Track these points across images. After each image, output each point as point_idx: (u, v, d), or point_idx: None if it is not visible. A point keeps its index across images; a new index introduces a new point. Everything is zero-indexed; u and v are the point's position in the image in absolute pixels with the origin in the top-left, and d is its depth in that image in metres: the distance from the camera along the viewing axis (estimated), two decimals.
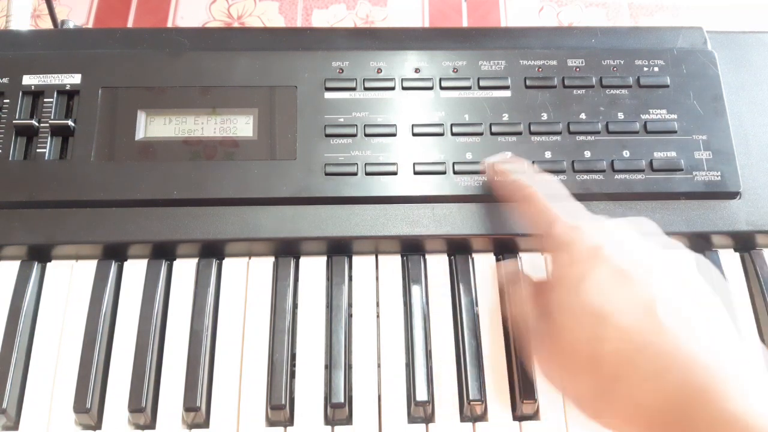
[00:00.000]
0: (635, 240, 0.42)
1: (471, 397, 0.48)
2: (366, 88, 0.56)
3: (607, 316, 0.38)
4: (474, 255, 0.54)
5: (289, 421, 0.49)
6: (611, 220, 0.44)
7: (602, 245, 0.40)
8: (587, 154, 0.54)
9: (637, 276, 0.39)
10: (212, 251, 0.54)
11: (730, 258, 0.55)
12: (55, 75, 0.55)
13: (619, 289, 0.39)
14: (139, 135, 0.54)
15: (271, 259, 0.54)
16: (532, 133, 0.55)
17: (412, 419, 0.49)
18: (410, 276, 0.53)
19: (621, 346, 0.38)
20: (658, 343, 0.37)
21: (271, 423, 0.49)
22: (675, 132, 0.55)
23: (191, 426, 0.49)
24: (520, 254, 0.54)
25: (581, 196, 0.53)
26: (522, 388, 0.49)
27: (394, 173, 0.53)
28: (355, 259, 0.54)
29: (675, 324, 0.37)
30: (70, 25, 0.68)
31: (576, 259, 0.41)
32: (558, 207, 0.44)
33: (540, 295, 0.45)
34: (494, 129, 0.55)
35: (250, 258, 0.54)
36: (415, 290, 0.52)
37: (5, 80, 0.55)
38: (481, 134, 0.55)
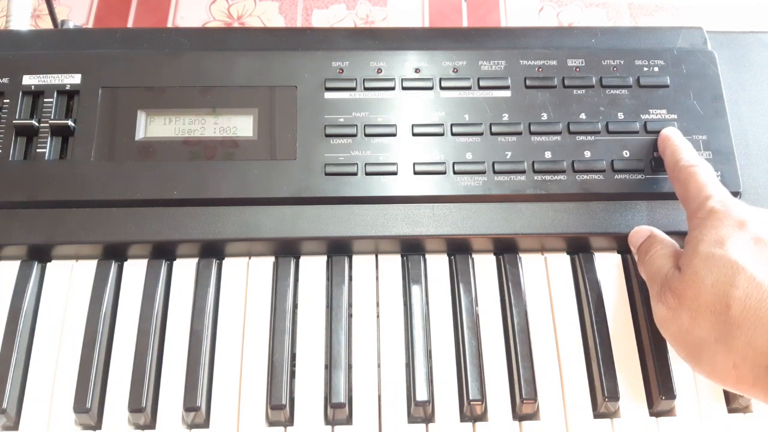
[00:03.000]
0: None
1: (471, 397, 0.48)
2: (366, 88, 0.56)
3: (743, 267, 0.43)
4: (474, 255, 0.54)
5: (289, 421, 0.49)
6: (757, 208, 0.48)
7: (748, 219, 0.46)
8: (587, 154, 0.54)
9: None
10: (212, 251, 0.54)
11: None
12: (55, 75, 0.55)
13: (757, 251, 0.44)
14: (139, 135, 0.54)
15: (271, 259, 0.54)
16: (532, 133, 0.55)
17: (412, 419, 0.49)
18: (410, 276, 0.53)
19: (750, 293, 0.42)
20: None
21: (271, 423, 0.49)
22: None
23: (191, 426, 0.49)
24: (520, 254, 0.54)
25: (581, 196, 0.54)
26: (522, 388, 0.49)
27: (394, 173, 0.53)
28: (355, 259, 0.54)
29: None
30: (70, 25, 0.68)
31: (723, 225, 0.46)
32: (714, 186, 0.49)
33: (676, 254, 0.49)
34: (494, 129, 0.55)
35: (250, 258, 0.54)
36: (415, 290, 0.52)
37: (5, 80, 0.55)
38: (481, 134, 0.55)
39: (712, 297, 0.43)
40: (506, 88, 0.56)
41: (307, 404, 0.49)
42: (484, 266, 0.54)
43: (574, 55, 0.57)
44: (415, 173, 0.53)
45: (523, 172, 0.54)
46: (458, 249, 0.54)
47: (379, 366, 0.50)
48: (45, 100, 0.55)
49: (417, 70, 0.56)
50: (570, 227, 0.53)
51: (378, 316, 0.52)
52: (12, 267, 0.53)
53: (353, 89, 0.56)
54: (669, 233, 0.51)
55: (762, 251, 0.44)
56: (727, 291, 0.43)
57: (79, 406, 0.48)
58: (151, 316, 0.51)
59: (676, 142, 0.53)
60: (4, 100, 0.54)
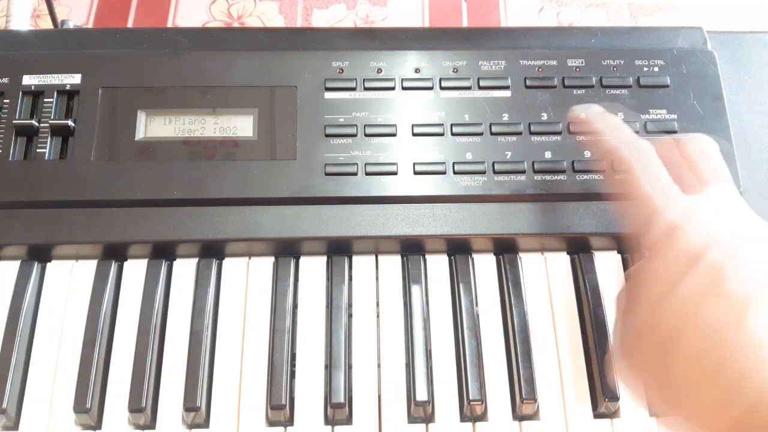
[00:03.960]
0: (746, 252, 0.37)
1: (471, 397, 0.48)
2: (366, 88, 0.56)
3: (679, 340, 0.36)
4: (474, 255, 0.54)
5: (289, 421, 0.49)
6: (718, 213, 0.38)
7: (701, 253, 0.36)
8: (587, 154, 0.54)
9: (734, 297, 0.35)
10: (212, 251, 0.54)
11: None
12: (55, 75, 0.55)
13: (704, 307, 0.35)
14: (139, 135, 0.54)
15: (271, 259, 0.54)
16: (532, 133, 0.55)
17: (412, 419, 0.49)
18: (410, 276, 0.53)
19: (689, 372, 0.36)
20: (729, 371, 0.34)
21: (271, 423, 0.49)
22: (675, 132, 0.55)
23: (191, 426, 0.49)
24: (520, 254, 0.54)
25: (581, 196, 0.53)
26: (522, 388, 0.49)
27: (394, 173, 0.53)
28: (355, 259, 0.54)
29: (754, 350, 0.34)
30: (70, 25, 0.68)
31: (671, 262, 0.37)
32: (657, 193, 0.39)
33: (632, 284, 0.42)
34: (494, 129, 0.55)
35: (250, 258, 0.54)
36: (415, 290, 0.52)
37: (5, 80, 0.55)
38: (481, 134, 0.55)
39: (657, 366, 0.37)
40: (506, 88, 0.56)
41: (307, 404, 0.49)
42: (484, 266, 0.54)
43: (574, 55, 0.57)
44: (415, 173, 0.53)
45: (523, 172, 0.54)
46: (458, 249, 0.54)
47: (379, 366, 0.50)
48: (45, 100, 0.55)
49: (417, 70, 0.56)
50: (570, 227, 0.53)
51: (378, 316, 0.52)
52: (12, 267, 0.53)
53: (353, 89, 0.56)
54: None
55: (710, 307, 0.35)
56: (668, 365, 0.36)
57: (79, 406, 0.48)
58: (151, 316, 0.51)
59: (598, 123, 0.44)
60: (4, 100, 0.54)
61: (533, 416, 0.49)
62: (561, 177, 0.54)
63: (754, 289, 0.35)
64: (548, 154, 0.54)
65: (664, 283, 0.37)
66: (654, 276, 0.38)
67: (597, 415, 0.50)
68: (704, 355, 0.35)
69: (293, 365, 0.50)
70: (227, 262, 0.54)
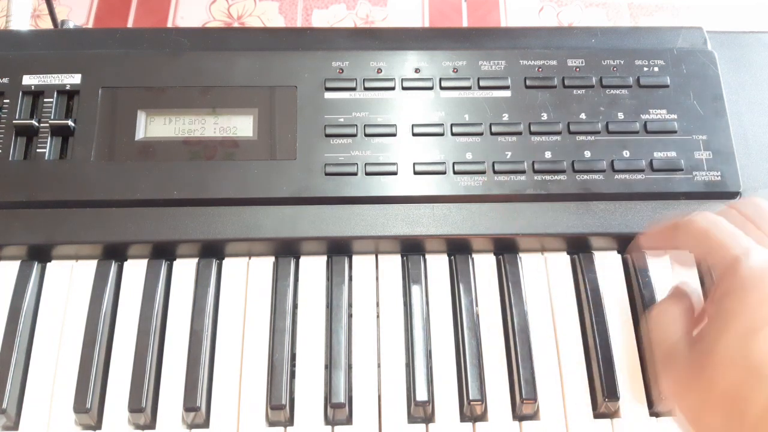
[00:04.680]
0: None
1: (471, 397, 0.48)
2: (366, 88, 0.56)
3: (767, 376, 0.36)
4: (474, 255, 0.54)
5: (289, 421, 0.49)
6: None
7: None
8: (587, 154, 0.54)
9: None
10: (212, 251, 0.54)
11: None
12: (55, 75, 0.55)
13: None
14: (139, 135, 0.54)
15: (271, 259, 0.54)
16: (532, 133, 0.55)
17: (412, 419, 0.49)
18: (410, 276, 0.53)
19: None
20: None
21: (271, 423, 0.49)
22: (675, 132, 0.55)
23: (191, 426, 0.49)
24: (520, 254, 0.54)
25: (581, 196, 0.54)
26: (522, 388, 0.49)
27: (394, 173, 0.53)
28: (355, 259, 0.54)
29: None
30: (70, 25, 0.68)
31: (757, 306, 0.38)
32: (734, 241, 0.40)
33: (693, 320, 0.43)
34: (494, 129, 0.55)
35: (250, 258, 0.54)
36: (415, 290, 0.52)
37: (5, 80, 0.55)
38: (481, 134, 0.55)
39: (726, 396, 0.37)
40: (506, 88, 0.56)
41: (307, 404, 0.49)
42: (484, 266, 0.54)
43: (574, 55, 0.57)
44: (415, 173, 0.53)
45: (523, 172, 0.54)
46: (458, 249, 0.54)
47: (379, 366, 0.50)
48: (45, 100, 0.55)
49: (417, 70, 0.56)
50: (570, 227, 0.53)
51: (378, 316, 0.52)
52: (12, 267, 0.53)
53: (353, 89, 0.56)
54: None
55: None
56: (745, 396, 0.36)
57: (79, 406, 0.48)
58: (151, 316, 0.51)
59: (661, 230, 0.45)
60: (4, 100, 0.54)
61: (533, 416, 0.49)
62: (561, 177, 0.54)
63: None
64: (548, 154, 0.54)
65: (747, 326, 0.37)
66: (748, 310, 0.38)
67: (597, 415, 0.50)
68: None
69: (293, 365, 0.50)
70: (227, 262, 0.54)
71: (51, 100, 0.55)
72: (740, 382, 0.37)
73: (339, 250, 0.54)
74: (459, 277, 0.53)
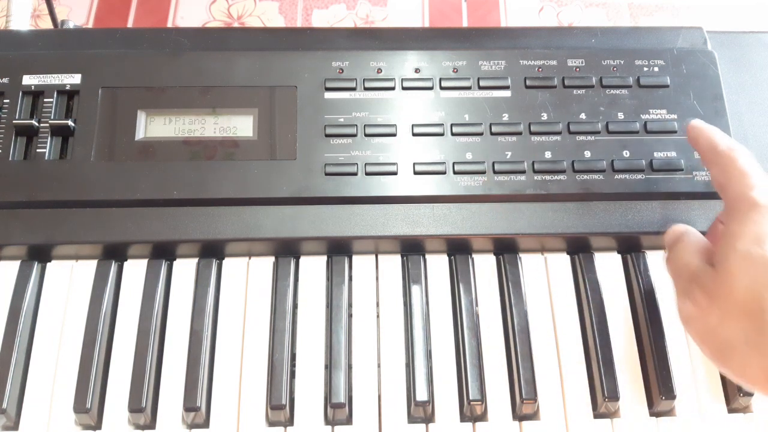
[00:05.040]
0: None
1: (471, 397, 0.48)
2: (366, 88, 0.56)
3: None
4: (474, 255, 0.54)
5: (289, 421, 0.49)
6: None
7: None
8: (587, 154, 0.54)
9: None
10: (212, 251, 0.54)
11: None
12: (55, 75, 0.55)
13: None
14: (139, 135, 0.54)
15: (271, 259, 0.54)
16: (532, 133, 0.55)
17: (412, 419, 0.49)
18: (410, 276, 0.53)
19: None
20: None
21: (271, 423, 0.49)
22: (675, 132, 0.55)
23: (191, 426, 0.49)
24: (520, 254, 0.54)
25: (581, 196, 0.54)
26: (522, 388, 0.49)
27: (394, 173, 0.53)
28: (355, 259, 0.54)
29: None
30: (70, 25, 0.68)
31: (767, 220, 0.42)
32: (758, 176, 0.45)
33: (707, 250, 0.46)
34: (494, 129, 0.55)
35: (250, 258, 0.54)
36: (415, 290, 0.52)
37: (5, 80, 0.55)
38: (481, 134, 0.55)
39: (746, 298, 0.41)
40: (506, 88, 0.56)
41: (307, 404, 0.49)
42: (484, 266, 0.54)
43: (574, 55, 0.57)
44: (415, 173, 0.53)
45: (523, 172, 0.54)
46: (458, 249, 0.54)
47: (379, 366, 0.50)
48: (45, 100, 0.55)
49: (417, 70, 0.56)
50: (570, 227, 0.53)
51: (378, 316, 0.52)
52: (12, 267, 0.53)
53: (353, 89, 0.56)
54: None
55: None
56: (764, 294, 0.40)
57: (79, 406, 0.48)
58: (151, 316, 0.51)
59: (709, 128, 0.50)
60: (4, 100, 0.54)
61: (533, 416, 0.49)
62: (561, 177, 0.54)
63: None
64: (548, 154, 0.54)
65: (759, 235, 0.42)
66: (760, 221, 0.43)
67: (597, 415, 0.50)
68: None
69: (293, 365, 0.50)
70: (227, 262, 0.54)
71: (51, 100, 0.55)
72: (758, 279, 0.40)
73: (339, 250, 0.54)
74: (459, 277, 0.53)
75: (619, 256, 0.55)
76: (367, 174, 0.53)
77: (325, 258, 0.54)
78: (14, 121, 0.53)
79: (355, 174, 0.53)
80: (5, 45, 0.57)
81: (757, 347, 0.40)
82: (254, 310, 0.52)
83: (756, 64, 0.59)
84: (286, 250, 0.54)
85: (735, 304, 0.41)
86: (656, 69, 0.57)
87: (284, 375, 0.49)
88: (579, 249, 0.55)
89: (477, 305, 0.52)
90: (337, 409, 0.48)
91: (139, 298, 0.52)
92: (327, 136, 0.54)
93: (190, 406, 0.48)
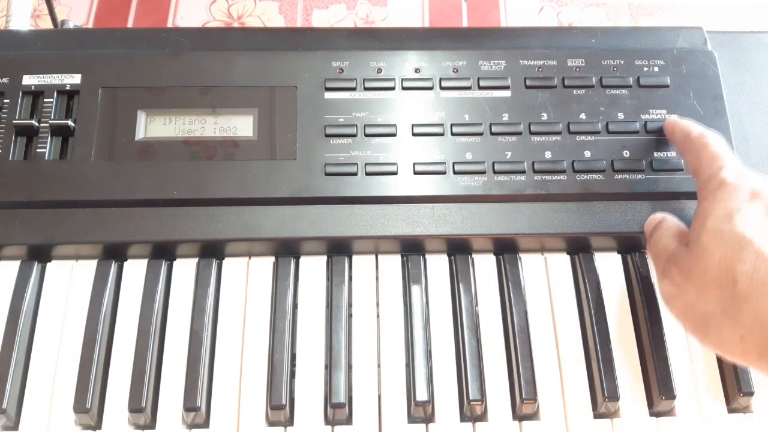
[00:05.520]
0: None
1: (471, 397, 0.48)
2: (366, 88, 0.56)
3: (750, 241, 0.42)
4: (474, 255, 0.54)
5: (289, 421, 0.49)
6: None
7: (762, 190, 0.45)
8: (587, 154, 0.54)
9: None
10: (212, 251, 0.54)
11: None
12: (55, 75, 0.55)
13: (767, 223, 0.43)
14: (139, 135, 0.54)
15: (271, 259, 0.54)
16: (532, 133, 0.55)
17: (412, 419, 0.49)
18: (410, 276, 0.53)
19: (758, 266, 0.42)
20: None
21: (271, 423, 0.49)
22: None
23: (191, 426, 0.49)
24: (520, 254, 0.54)
25: (581, 196, 0.54)
26: (522, 388, 0.49)
27: (394, 173, 0.53)
28: (355, 259, 0.54)
29: None
30: (70, 25, 0.68)
31: (734, 197, 0.45)
32: (728, 157, 0.48)
33: (683, 233, 0.49)
34: (494, 129, 0.55)
35: (250, 258, 0.54)
36: (415, 290, 0.52)
37: (5, 80, 0.55)
38: (481, 134, 0.55)
39: (718, 272, 0.43)
40: (506, 88, 0.56)
41: (307, 404, 0.49)
42: (484, 266, 0.54)
43: (574, 55, 0.57)
44: (415, 173, 0.53)
45: (523, 172, 0.54)
46: (458, 249, 0.54)
47: (379, 366, 0.50)
48: (45, 100, 0.55)
49: (417, 70, 0.56)
50: (570, 227, 0.53)
51: (378, 316, 0.52)
52: (12, 267, 0.53)
53: (353, 89, 0.56)
54: None
55: None
56: (734, 266, 0.42)
57: (79, 406, 0.48)
58: (151, 316, 0.51)
59: (684, 121, 0.53)
60: (4, 100, 0.54)
61: (533, 416, 0.49)
62: (561, 177, 0.54)
63: None
64: (548, 154, 0.54)
65: (727, 211, 0.44)
66: (728, 198, 0.45)
67: (597, 415, 0.50)
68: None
69: (293, 365, 0.50)
70: (227, 262, 0.54)
71: (51, 100, 0.55)
72: (729, 251, 0.43)
73: (339, 250, 0.54)
74: (459, 277, 0.53)
75: (619, 256, 0.55)
76: (367, 174, 0.53)
77: (325, 258, 0.54)
78: (14, 121, 0.53)
79: (355, 174, 0.53)
80: (5, 45, 0.57)
81: (731, 317, 0.42)
82: (254, 310, 0.52)
83: (756, 64, 0.59)
84: (286, 250, 0.54)
85: (709, 277, 0.43)
86: (656, 69, 0.57)
87: (284, 375, 0.49)
88: (579, 249, 0.55)
89: (477, 305, 0.52)
90: (337, 409, 0.48)
91: (139, 298, 0.52)
92: (327, 136, 0.54)
93: (190, 406, 0.48)
